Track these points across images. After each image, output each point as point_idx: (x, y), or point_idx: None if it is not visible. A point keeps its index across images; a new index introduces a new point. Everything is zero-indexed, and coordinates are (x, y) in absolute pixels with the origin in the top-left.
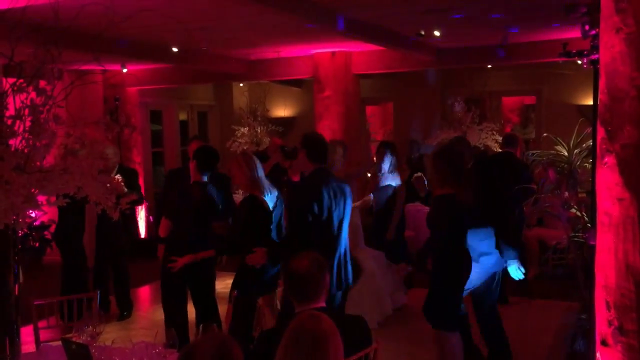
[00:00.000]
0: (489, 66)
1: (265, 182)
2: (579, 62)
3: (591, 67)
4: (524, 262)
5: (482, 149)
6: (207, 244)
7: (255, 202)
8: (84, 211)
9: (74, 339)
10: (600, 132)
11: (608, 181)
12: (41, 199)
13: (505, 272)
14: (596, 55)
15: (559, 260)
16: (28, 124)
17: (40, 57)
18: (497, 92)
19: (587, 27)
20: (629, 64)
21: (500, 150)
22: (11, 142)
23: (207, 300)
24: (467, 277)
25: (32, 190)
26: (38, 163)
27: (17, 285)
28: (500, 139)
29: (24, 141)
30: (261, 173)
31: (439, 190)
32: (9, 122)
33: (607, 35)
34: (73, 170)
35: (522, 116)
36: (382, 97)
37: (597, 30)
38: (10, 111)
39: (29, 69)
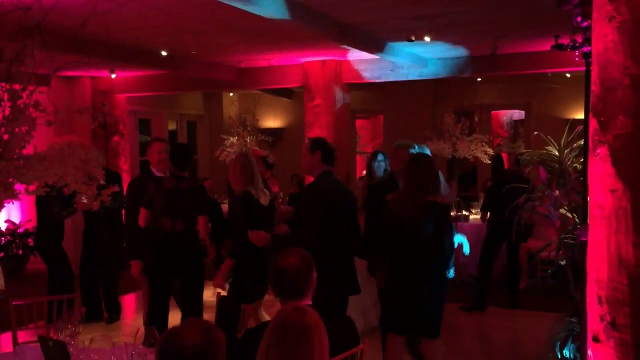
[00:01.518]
0: (479, 79)
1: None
2: (568, 75)
3: (582, 60)
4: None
5: (472, 160)
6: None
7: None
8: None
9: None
10: (593, 123)
11: (600, 172)
12: (19, 187)
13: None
14: (588, 48)
15: (547, 272)
16: (7, 110)
17: (21, 40)
18: (486, 105)
19: (579, 19)
20: (622, 53)
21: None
22: None
23: (193, 305)
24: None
25: (10, 180)
26: (17, 150)
27: None
28: (489, 150)
29: (2, 128)
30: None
31: None
32: None
33: (600, 25)
34: (53, 157)
35: (511, 131)
36: (372, 109)
37: (589, 22)
38: None
39: (9, 54)
